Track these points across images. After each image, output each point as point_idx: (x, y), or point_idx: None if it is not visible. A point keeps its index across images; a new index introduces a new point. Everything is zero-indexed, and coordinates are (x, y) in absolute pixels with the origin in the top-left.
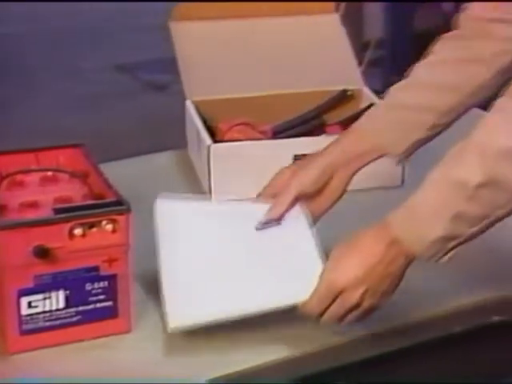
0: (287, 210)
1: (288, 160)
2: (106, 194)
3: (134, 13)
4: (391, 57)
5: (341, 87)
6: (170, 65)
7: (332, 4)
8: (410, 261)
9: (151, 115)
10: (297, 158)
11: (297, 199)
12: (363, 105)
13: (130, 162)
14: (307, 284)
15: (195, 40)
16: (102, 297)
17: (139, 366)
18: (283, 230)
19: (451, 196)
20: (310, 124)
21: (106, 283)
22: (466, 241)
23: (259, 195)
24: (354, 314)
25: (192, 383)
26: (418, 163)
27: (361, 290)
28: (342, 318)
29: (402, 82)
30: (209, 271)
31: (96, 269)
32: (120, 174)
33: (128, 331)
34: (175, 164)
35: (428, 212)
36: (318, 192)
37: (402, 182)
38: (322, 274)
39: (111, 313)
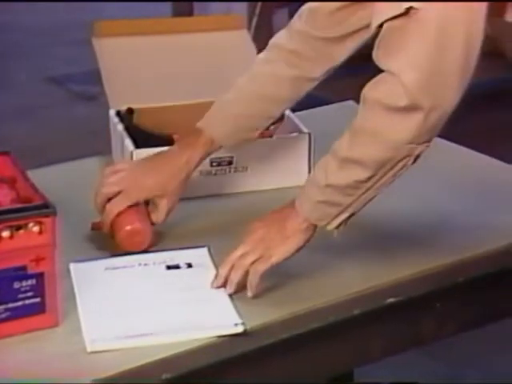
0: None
1: (205, 164)
2: (33, 197)
3: (64, 27)
4: None
5: None
6: (99, 77)
7: (242, 21)
8: (306, 225)
9: (81, 124)
10: (213, 161)
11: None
12: None
13: (58, 168)
14: (217, 317)
15: (116, 54)
16: (30, 294)
17: (66, 358)
18: (192, 273)
19: (323, 171)
20: None
21: (34, 281)
22: (347, 210)
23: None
24: (253, 263)
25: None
26: None
27: (259, 233)
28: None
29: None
30: (124, 304)
31: (24, 268)
32: (48, 179)
33: (56, 325)
34: (101, 169)
35: (311, 183)
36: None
37: None
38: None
39: (39, 309)
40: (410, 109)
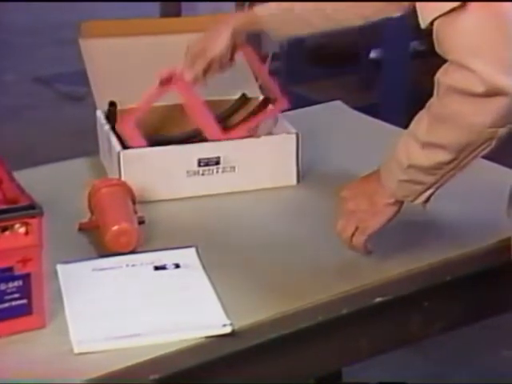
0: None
1: (193, 164)
2: (19, 198)
3: (52, 27)
4: (286, 68)
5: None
6: (86, 77)
7: None
8: (394, 200)
9: (69, 125)
10: (201, 161)
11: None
12: None
13: (46, 169)
14: (205, 317)
15: (103, 55)
16: (16, 295)
17: (52, 359)
18: (180, 273)
19: (405, 152)
20: None
21: (21, 282)
22: (432, 187)
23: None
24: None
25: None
26: (312, 165)
27: (350, 205)
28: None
29: None
30: (111, 305)
31: (10, 269)
32: (35, 179)
33: (43, 327)
34: (88, 169)
35: (394, 163)
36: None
37: (298, 181)
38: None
39: (26, 310)
40: (491, 94)
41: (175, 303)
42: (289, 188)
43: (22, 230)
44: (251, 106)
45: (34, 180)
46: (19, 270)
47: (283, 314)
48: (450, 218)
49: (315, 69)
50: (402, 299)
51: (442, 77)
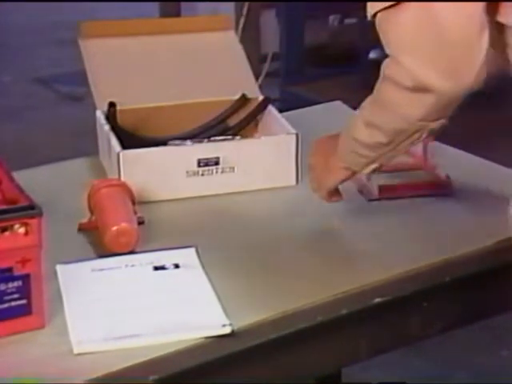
0: None
1: (193, 164)
2: (19, 199)
3: (51, 27)
4: (286, 69)
5: (240, 96)
6: (85, 77)
7: (229, 21)
8: (345, 165)
9: (68, 125)
10: (200, 161)
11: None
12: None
13: (45, 169)
14: (205, 318)
15: (103, 55)
16: (16, 296)
17: (52, 359)
18: (179, 273)
19: (354, 125)
20: (215, 129)
21: (20, 283)
22: (374, 162)
23: None
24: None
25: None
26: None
27: (311, 162)
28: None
29: None
30: (111, 305)
31: (10, 270)
32: (35, 180)
33: (42, 327)
34: (88, 170)
35: (346, 132)
36: None
37: (297, 181)
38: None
39: (25, 310)
40: (419, 89)
41: (175, 303)
42: (288, 188)
43: (22, 230)
44: (251, 106)
45: (33, 180)
46: (19, 271)
47: (283, 315)
48: (449, 218)
49: (315, 69)
50: (401, 300)
51: (384, 65)
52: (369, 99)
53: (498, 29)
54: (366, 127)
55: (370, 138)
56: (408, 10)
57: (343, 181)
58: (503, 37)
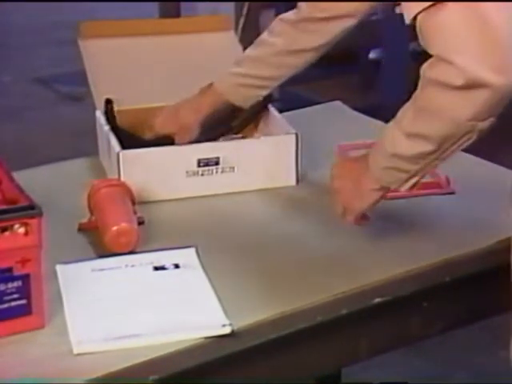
0: None
1: (192, 164)
2: (19, 199)
3: (51, 27)
4: None
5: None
6: (85, 77)
7: (229, 21)
8: (379, 186)
9: (68, 125)
10: (200, 161)
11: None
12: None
13: (45, 169)
14: (205, 318)
15: (102, 55)
16: (16, 296)
17: (52, 359)
18: (179, 273)
19: (390, 140)
20: (217, 130)
21: (20, 283)
22: (416, 175)
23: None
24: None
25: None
26: (311, 165)
27: (335, 183)
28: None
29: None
30: (111, 306)
31: (9, 270)
32: (35, 180)
33: (42, 327)
34: (87, 170)
35: (379, 151)
36: None
37: (297, 181)
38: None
39: (25, 310)
40: (471, 86)
41: (175, 303)
42: (288, 188)
43: (22, 230)
44: (252, 107)
45: (33, 180)
46: (18, 271)
47: (283, 315)
48: (449, 218)
49: (315, 69)
50: (401, 300)
51: (426, 70)
52: (407, 108)
53: None
54: (407, 139)
55: (412, 150)
56: (453, 10)
57: (376, 203)
58: None
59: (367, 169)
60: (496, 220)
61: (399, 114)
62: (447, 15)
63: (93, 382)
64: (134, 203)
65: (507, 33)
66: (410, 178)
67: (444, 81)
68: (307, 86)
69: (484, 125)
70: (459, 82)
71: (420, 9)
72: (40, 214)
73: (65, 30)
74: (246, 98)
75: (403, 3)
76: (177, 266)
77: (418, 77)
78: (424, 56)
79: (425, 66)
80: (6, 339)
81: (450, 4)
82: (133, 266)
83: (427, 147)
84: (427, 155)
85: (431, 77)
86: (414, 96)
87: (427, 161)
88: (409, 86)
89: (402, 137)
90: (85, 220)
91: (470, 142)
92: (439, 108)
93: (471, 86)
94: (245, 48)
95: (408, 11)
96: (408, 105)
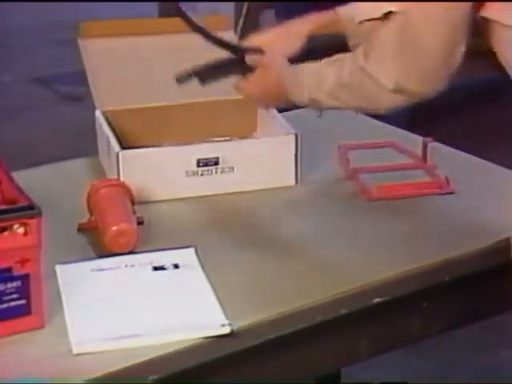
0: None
1: (192, 164)
2: (18, 199)
3: (51, 27)
4: None
5: (239, 96)
6: (85, 77)
7: (229, 21)
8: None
9: (67, 125)
10: (200, 162)
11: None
12: (259, 112)
13: (45, 169)
14: (204, 318)
15: (102, 55)
16: (15, 296)
17: (51, 359)
18: (179, 273)
19: (323, 81)
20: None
21: (19, 283)
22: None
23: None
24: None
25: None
26: (311, 165)
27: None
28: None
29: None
30: (110, 306)
31: (9, 270)
32: (35, 180)
33: (41, 327)
34: (87, 170)
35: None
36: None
37: (297, 181)
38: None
39: (25, 310)
40: (397, 91)
41: (174, 303)
42: (288, 188)
43: (21, 230)
44: None
45: (33, 180)
46: (18, 271)
47: (282, 315)
48: (449, 218)
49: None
50: (401, 300)
51: (362, 56)
52: (332, 75)
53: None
54: (327, 95)
55: (328, 102)
56: (393, 22)
57: None
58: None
59: (283, 90)
60: (496, 220)
61: (332, 62)
62: (388, 28)
63: (92, 382)
64: (133, 203)
65: (436, 48)
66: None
67: (378, 80)
68: None
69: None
70: (389, 86)
71: (369, 17)
72: (39, 214)
73: (65, 30)
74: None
75: (358, 5)
76: (176, 266)
77: None
78: None
79: (362, 52)
80: (5, 339)
81: (393, 17)
82: (132, 266)
83: (341, 106)
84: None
85: (367, 69)
86: (339, 67)
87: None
88: None
89: (323, 91)
90: (84, 220)
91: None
92: (369, 96)
93: (399, 91)
94: None
95: (359, 15)
96: (332, 72)
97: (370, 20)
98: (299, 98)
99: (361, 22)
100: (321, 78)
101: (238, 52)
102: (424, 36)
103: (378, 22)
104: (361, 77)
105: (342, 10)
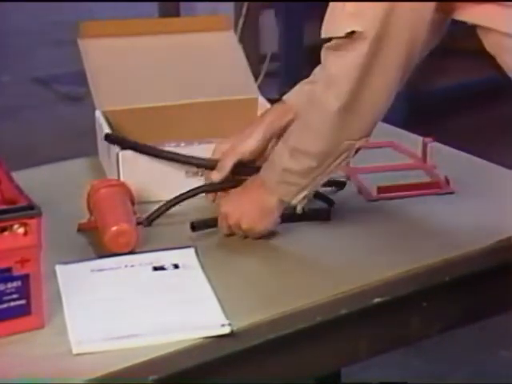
0: (227, 175)
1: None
2: (18, 199)
3: (50, 27)
4: (285, 69)
5: (239, 96)
6: (85, 78)
7: (229, 21)
8: (277, 200)
9: (67, 125)
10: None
11: (235, 166)
12: (259, 111)
13: (45, 169)
14: (204, 318)
15: (102, 55)
16: (15, 296)
17: (51, 359)
18: (179, 274)
19: (279, 158)
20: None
21: (19, 283)
22: (305, 189)
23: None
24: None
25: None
26: None
27: (236, 216)
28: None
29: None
30: (110, 306)
31: (9, 270)
32: (34, 180)
33: (41, 327)
34: (87, 170)
35: (269, 166)
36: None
37: None
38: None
39: (25, 311)
40: (347, 109)
41: (174, 304)
42: None
43: (21, 230)
44: (251, 107)
45: (32, 180)
46: (18, 271)
47: (282, 315)
48: (449, 218)
49: (315, 69)
50: (400, 300)
51: (313, 84)
52: (294, 125)
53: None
54: (291, 155)
55: (298, 165)
56: (358, 49)
57: (277, 220)
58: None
59: (262, 186)
60: (496, 220)
61: (286, 133)
62: (353, 50)
63: (92, 382)
64: (133, 203)
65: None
66: (300, 191)
67: (321, 102)
68: None
69: (360, 143)
70: (336, 106)
71: (329, 35)
72: (39, 214)
73: (65, 30)
74: None
75: (325, 21)
76: (176, 266)
77: (417, 76)
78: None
79: (317, 82)
80: (5, 339)
81: (358, 43)
82: (132, 266)
83: (311, 163)
84: (313, 169)
85: (315, 94)
86: (300, 111)
87: (314, 175)
88: (408, 87)
89: (287, 152)
90: (84, 220)
91: (349, 159)
92: (319, 127)
93: (347, 109)
94: (244, 48)
95: (326, 32)
96: (295, 122)
97: (330, 39)
98: (272, 181)
99: (326, 39)
100: (284, 137)
101: (206, 167)
102: (378, 57)
103: (343, 44)
104: (312, 108)
105: (291, 98)
